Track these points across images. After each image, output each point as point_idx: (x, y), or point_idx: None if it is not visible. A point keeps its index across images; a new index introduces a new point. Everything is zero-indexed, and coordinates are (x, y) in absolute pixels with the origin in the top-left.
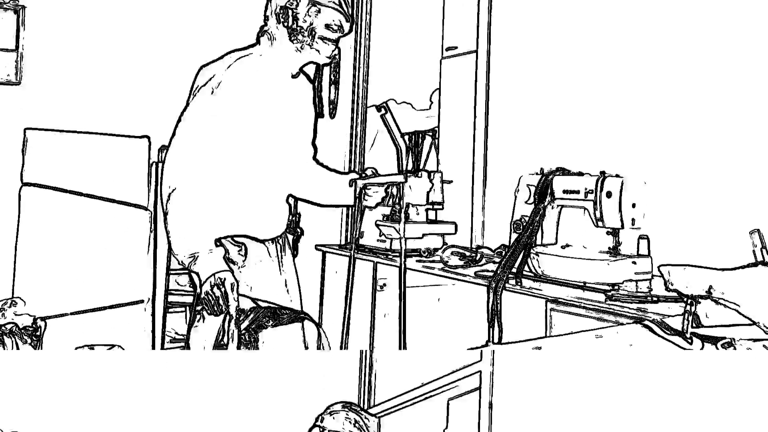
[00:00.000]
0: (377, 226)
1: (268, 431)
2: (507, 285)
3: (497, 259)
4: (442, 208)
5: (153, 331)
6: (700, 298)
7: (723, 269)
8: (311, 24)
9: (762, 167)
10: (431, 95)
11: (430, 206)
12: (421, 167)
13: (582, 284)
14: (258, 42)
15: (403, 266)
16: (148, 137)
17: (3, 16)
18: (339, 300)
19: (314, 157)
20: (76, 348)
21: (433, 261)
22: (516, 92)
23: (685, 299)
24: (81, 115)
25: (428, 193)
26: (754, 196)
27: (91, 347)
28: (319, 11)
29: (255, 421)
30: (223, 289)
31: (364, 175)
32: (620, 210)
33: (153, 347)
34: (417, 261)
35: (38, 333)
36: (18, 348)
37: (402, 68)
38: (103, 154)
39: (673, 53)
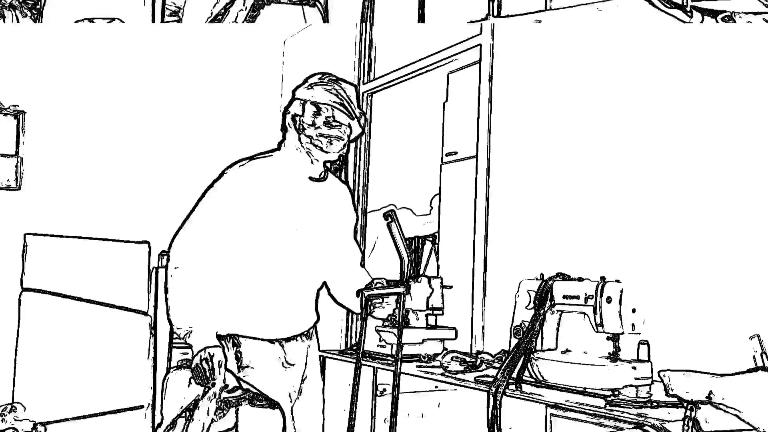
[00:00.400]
0: (377, 331)
1: (257, 102)
2: (507, 390)
3: (497, 365)
4: (442, 314)
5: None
6: (700, 403)
7: (723, 374)
8: (315, 125)
9: (762, 273)
10: (431, 200)
11: (430, 311)
12: (421, 273)
13: (582, 389)
14: (279, 148)
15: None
16: (148, 243)
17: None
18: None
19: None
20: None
21: (433, 366)
22: (516, 197)
23: (686, 405)
24: (81, 220)
25: (428, 298)
26: (754, 300)
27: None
28: (319, 111)
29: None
30: (210, 364)
31: (371, 285)
32: (620, 315)
33: (153, 20)
34: (417, 367)
35: None
36: None
37: (402, 173)
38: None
39: (672, 159)
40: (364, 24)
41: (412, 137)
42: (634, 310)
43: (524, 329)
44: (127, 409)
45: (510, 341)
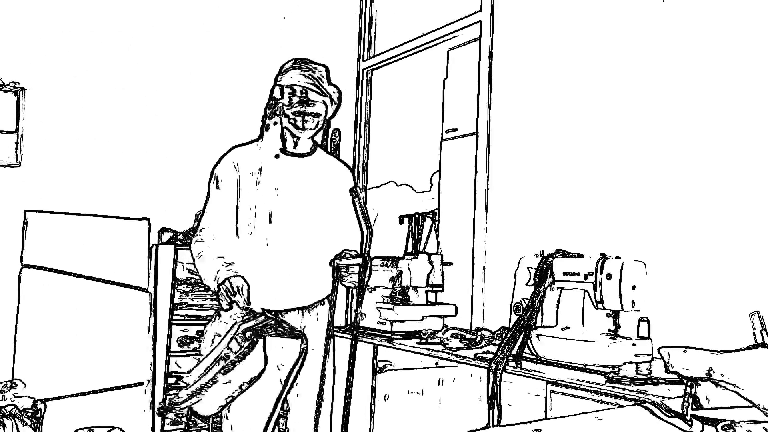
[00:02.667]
0: (377, 308)
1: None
2: (507, 367)
3: (497, 341)
4: (442, 290)
5: None
6: (700, 380)
7: (723, 351)
8: (292, 105)
9: (761, 249)
10: (431, 177)
11: (431, 288)
12: (421, 249)
13: (582, 366)
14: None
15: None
16: (148, 219)
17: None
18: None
19: None
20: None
21: (433, 343)
22: (516, 174)
23: (685, 381)
24: (81, 197)
25: (428, 275)
26: (755, 277)
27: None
28: (294, 92)
29: None
30: (231, 285)
31: (341, 255)
32: (620, 292)
33: None
34: (417, 343)
35: (38, 415)
36: (18, 430)
37: (402, 150)
38: (104, 235)
39: (673, 135)
40: (364, 0)
41: (413, 114)
42: (634, 287)
43: (524, 306)
44: (127, 386)
45: (510, 318)
